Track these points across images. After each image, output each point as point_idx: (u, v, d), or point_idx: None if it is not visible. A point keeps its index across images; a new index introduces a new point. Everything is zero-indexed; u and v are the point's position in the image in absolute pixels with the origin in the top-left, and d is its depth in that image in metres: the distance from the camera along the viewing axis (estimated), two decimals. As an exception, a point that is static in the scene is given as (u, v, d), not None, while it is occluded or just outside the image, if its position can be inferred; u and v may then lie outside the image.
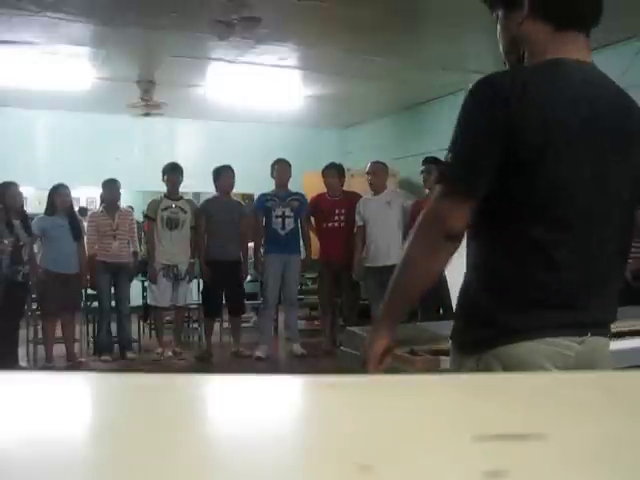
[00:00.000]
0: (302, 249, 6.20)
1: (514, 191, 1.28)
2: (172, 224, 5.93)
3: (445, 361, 2.01)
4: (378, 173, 5.91)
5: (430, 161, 5.66)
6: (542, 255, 1.30)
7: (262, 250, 6.07)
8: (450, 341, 1.49)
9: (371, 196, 5.94)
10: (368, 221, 5.82)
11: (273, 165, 6.14)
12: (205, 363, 5.82)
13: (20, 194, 5.54)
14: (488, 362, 1.32)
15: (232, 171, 6.06)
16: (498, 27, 1.46)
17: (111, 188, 6.03)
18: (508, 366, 1.28)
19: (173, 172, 6.02)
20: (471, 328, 1.40)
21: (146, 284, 6.39)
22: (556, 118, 1.26)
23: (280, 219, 6.00)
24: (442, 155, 5.16)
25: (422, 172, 5.66)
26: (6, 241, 5.24)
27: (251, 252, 6.41)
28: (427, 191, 5.77)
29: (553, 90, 1.28)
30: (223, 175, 6.03)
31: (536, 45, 1.37)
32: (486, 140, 1.28)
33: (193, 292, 6.50)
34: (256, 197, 6.39)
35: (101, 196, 6.21)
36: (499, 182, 1.27)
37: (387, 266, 5.68)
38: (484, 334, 1.34)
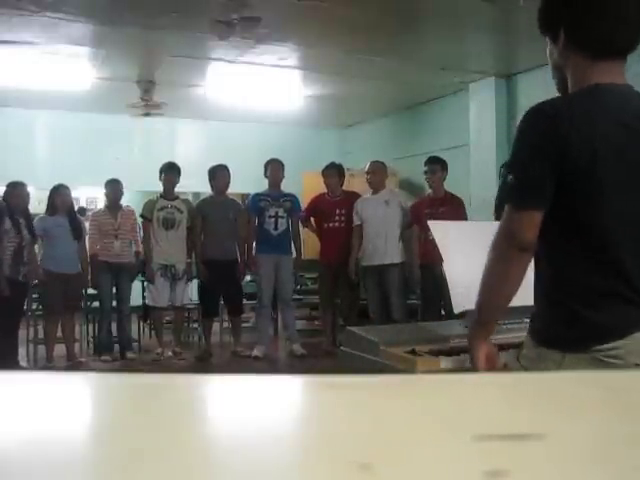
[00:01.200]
0: (294, 250, 6.20)
1: (569, 206, 1.44)
2: (168, 224, 5.93)
3: (446, 361, 2.01)
4: (377, 172, 5.91)
5: (434, 161, 5.64)
6: (608, 261, 1.45)
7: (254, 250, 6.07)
8: (530, 337, 1.57)
9: (369, 195, 5.94)
10: (366, 220, 5.82)
11: (266, 165, 6.13)
12: (205, 363, 5.82)
13: (27, 194, 5.56)
14: (578, 360, 1.42)
15: (227, 170, 6.05)
16: (547, 50, 1.61)
17: (114, 188, 6.03)
18: (609, 365, 1.38)
19: (170, 172, 6.02)
20: (558, 325, 1.49)
21: (145, 284, 6.39)
22: (601, 138, 1.40)
23: (273, 219, 5.99)
24: (443, 155, 5.18)
25: (425, 172, 5.64)
26: (11, 242, 5.25)
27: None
28: (430, 191, 5.77)
29: (595, 114, 1.42)
30: (218, 175, 6.02)
31: (576, 72, 1.51)
32: (542, 159, 1.43)
33: (193, 292, 6.49)
34: (250, 197, 6.38)
35: (106, 195, 6.21)
36: (558, 197, 1.43)
37: (385, 265, 5.70)
38: (574, 332, 1.45)
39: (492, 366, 1.59)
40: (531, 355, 1.54)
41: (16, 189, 5.44)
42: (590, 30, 1.46)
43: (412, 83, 7.14)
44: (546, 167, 1.41)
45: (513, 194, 1.49)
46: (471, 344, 1.62)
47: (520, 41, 5.80)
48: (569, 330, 1.46)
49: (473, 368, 1.62)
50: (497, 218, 1.73)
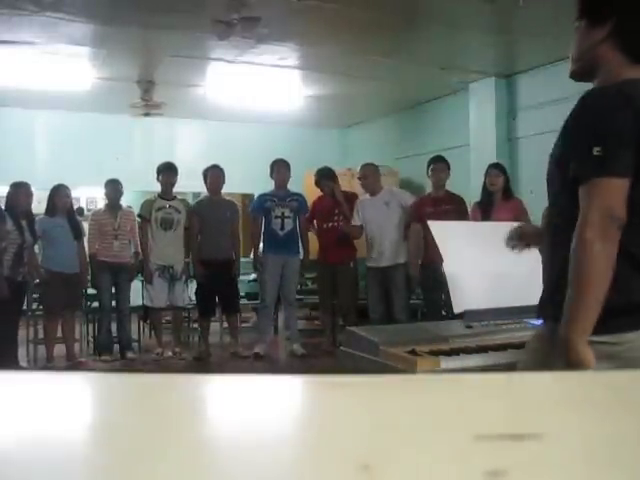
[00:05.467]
0: (301, 249, 6.20)
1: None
2: (166, 224, 5.92)
3: (446, 361, 2.01)
4: (369, 175, 5.90)
5: (440, 160, 5.62)
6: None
7: (261, 250, 6.08)
8: (542, 320, 1.53)
9: (369, 196, 5.94)
10: (367, 222, 5.82)
11: (272, 165, 6.14)
12: (204, 363, 5.81)
13: (31, 195, 5.54)
14: (596, 350, 1.38)
15: (220, 170, 6.04)
16: (576, 36, 1.57)
17: (114, 188, 6.03)
18: (628, 351, 1.37)
19: (167, 172, 6.01)
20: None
21: (144, 284, 6.39)
22: None
23: (279, 219, 6.00)
24: (443, 155, 5.15)
25: (432, 170, 5.60)
26: (13, 243, 5.25)
27: (251, 252, 6.42)
28: (430, 190, 5.76)
29: None
30: (210, 175, 6.03)
31: (610, 69, 1.49)
32: (625, 136, 1.40)
33: (192, 292, 6.48)
34: (256, 197, 6.39)
35: (105, 195, 6.20)
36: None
37: (389, 267, 5.70)
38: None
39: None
40: (542, 345, 1.50)
41: (19, 190, 5.44)
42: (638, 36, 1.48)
43: (412, 83, 7.14)
44: (632, 141, 1.39)
45: (603, 164, 1.40)
46: (577, 348, 1.41)
47: (520, 41, 5.80)
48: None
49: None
50: (550, 202, 1.63)
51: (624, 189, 1.39)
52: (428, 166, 5.63)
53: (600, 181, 1.40)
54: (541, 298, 1.57)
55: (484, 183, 5.24)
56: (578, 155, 1.44)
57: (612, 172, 1.40)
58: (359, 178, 5.96)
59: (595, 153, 1.40)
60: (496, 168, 5.26)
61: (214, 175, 6.02)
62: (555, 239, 1.51)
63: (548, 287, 1.55)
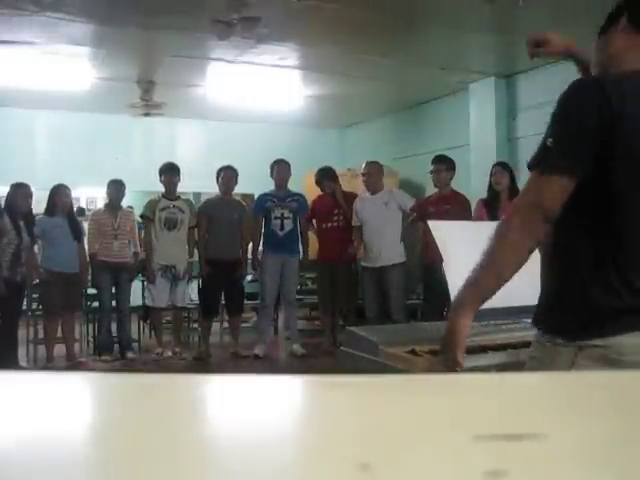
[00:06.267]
0: (301, 249, 6.20)
1: (614, 182, 1.36)
2: (170, 224, 5.93)
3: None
4: (373, 173, 5.91)
5: (438, 161, 5.63)
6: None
7: (261, 250, 6.08)
8: (538, 330, 1.51)
9: (368, 195, 5.94)
10: (365, 221, 5.82)
11: (272, 166, 6.15)
12: (204, 363, 5.82)
13: (31, 196, 5.55)
14: (592, 353, 1.36)
15: (233, 171, 6.06)
16: (595, 45, 1.55)
17: (116, 188, 6.04)
18: (622, 355, 1.34)
19: (169, 172, 6.01)
20: (573, 314, 1.43)
21: (145, 284, 6.39)
22: None
23: (279, 220, 6.00)
24: (445, 153, 5.13)
25: (431, 172, 5.63)
26: (11, 244, 5.25)
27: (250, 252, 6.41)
28: (435, 190, 5.76)
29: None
30: (223, 174, 6.05)
31: (621, 55, 1.46)
32: (584, 129, 1.37)
33: (193, 292, 6.49)
34: (256, 197, 6.40)
35: (107, 195, 6.20)
36: (598, 172, 1.36)
37: (384, 267, 5.70)
38: (589, 321, 1.39)
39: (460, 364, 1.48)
40: (540, 353, 1.49)
41: (19, 190, 5.45)
42: None
43: (412, 83, 7.14)
44: (588, 138, 1.35)
45: (548, 157, 1.39)
46: (455, 326, 1.46)
47: (520, 41, 5.75)
48: (586, 317, 1.40)
49: (448, 360, 1.48)
50: None
51: (563, 186, 1.37)
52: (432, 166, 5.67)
53: (539, 176, 1.40)
54: (537, 306, 1.55)
55: (490, 182, 5.24)
56: (539, 144, 1.43)
57: (553, 168, 1.38)
58: (363, 174, 5.96)
59: (547, 144, 1.39)
60: (501, 167, 5.27)
61: (227, 175, 6.04)
62: (550, 248, 1.49)
63: (544, 295, 1.53)
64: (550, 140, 1.38)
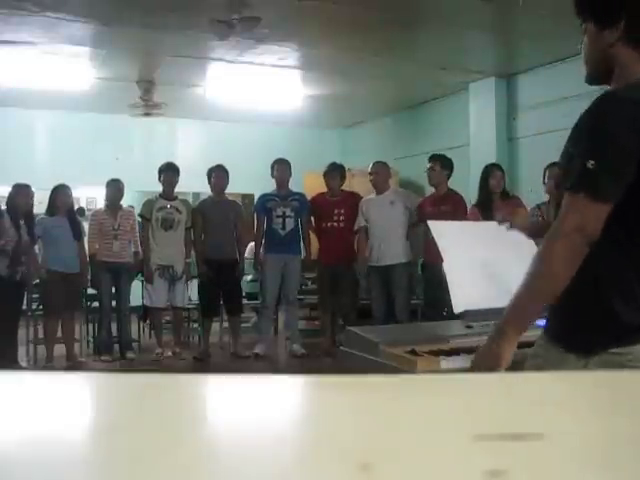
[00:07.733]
0: (302, 249, 6.19)
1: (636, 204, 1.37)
2: (167, 224, 5.92)
3: (446, 361, 2.01)
4: (380, 173, 5.91)
5: (431, 158, 5.65)
6: None
7: (262, 250, 6.07)
8: (547, 338, 1.51)
9: (374, 196, 5.94)
10: (371, 221, 5.82)
11: (273, 165, 6.14)
12: (204, 363, 5.81)
13: (32, 196, 5.56)
14: (606, 360, 1.37)
15: (224, 170, 6.04)
16: (585, 39, 1.52)
17: (115, 188, 6.03)
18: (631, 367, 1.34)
19: (169, 172, 6.01)
20: (586, 327, 1.44)
21: (144, 284, 6.39)
22: None
23: (280, 219, 6.00)
24: (445, 153, 5.14)
25: (428, 170, 5.63)
26: (10, 242, 5.25)
27: (252, 252, 6.41)
28: (433, 189, 5.77)
29: None
30: (214, 175, 6.04)
31: (625, 69, 1.45)
32: (628, 152, 1.35)
33: (192, 292, 6.49)
34: (256, 197, 6.39)
35: (106, 194, 6.20)
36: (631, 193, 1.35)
37: (391, 265, 5.70)
38: (610, 336, 1.40)
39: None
40: (545, 352, 1.49)
41: (19, 191, 5.46)
42: None
43: (412, 83, 7.15)
44: (633, 161, 1.34)
45: (593, 182, 1.36)
46: (502, 353, 1.44)
47: (520, 41, 5.80)
48: (602, 329, 1.41)
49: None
50: (558, 195, 1.59)
51: (603, 213, 1.36)
52: None
53: (583, 199, 1.37)
54: (553, 318, 1.54)
55: (484, 184, 5.27)
56: (573, 162, 1.40)
57: (597, 195, 1.36)
58: (370, 174, 5.95)
59: (589, 166, 1.35)
60: (499, 169, 5.35)
61: (218, 175, 6.03)
62: None
63: (562, 309, 1.51)
64: (592, 163, 1.35)
